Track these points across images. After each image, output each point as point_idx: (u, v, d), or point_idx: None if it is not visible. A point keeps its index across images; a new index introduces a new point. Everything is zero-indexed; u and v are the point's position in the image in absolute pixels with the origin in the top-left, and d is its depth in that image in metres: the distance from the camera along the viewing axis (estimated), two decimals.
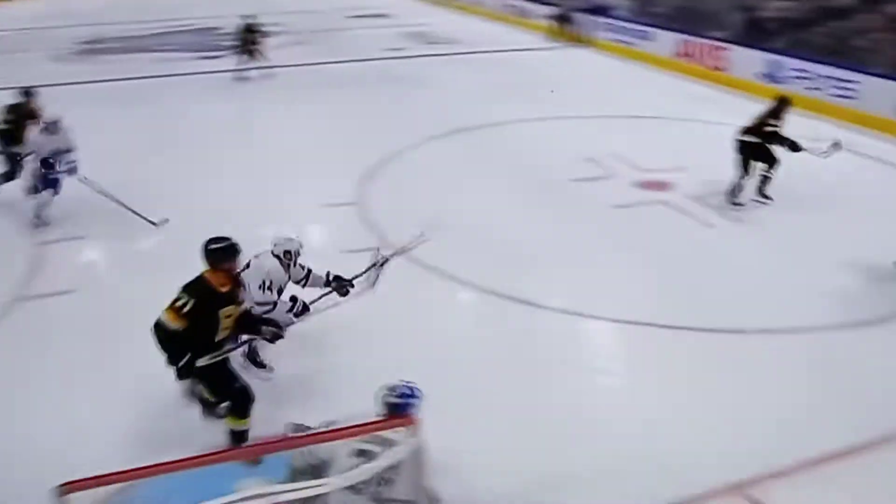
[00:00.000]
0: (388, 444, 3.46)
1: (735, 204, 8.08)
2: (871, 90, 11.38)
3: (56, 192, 7.91)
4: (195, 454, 3.39)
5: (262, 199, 8.44)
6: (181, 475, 3.19)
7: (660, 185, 8.73)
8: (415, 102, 12.17)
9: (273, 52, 15.59)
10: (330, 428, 3.68)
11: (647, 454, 4.45)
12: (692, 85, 14.25)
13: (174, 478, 3.18)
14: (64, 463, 3.43)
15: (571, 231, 7.65)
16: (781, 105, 8.13)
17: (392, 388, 3.73)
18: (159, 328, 4.31)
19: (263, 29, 15.43)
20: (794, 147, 7.93)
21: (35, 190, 7.89)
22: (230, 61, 15.27)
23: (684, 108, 12.40)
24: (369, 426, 3.64)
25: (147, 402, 5.03)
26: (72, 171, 7.89)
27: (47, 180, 7.81)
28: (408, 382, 3.76)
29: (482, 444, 4.52)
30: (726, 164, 9.44)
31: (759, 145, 7.98)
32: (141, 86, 14.95)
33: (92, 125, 11.78)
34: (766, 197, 8.11)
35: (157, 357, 5.36)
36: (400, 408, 3.65)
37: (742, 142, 8.04)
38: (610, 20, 18.25)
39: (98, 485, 2.90)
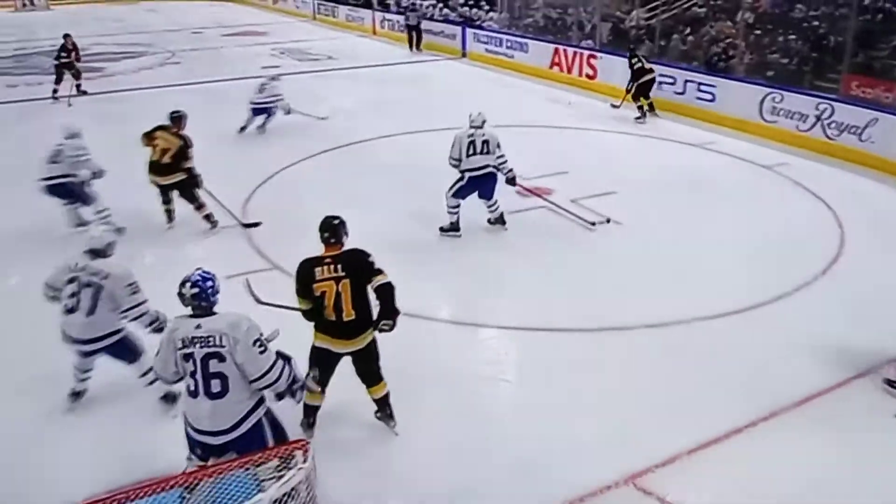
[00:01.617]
0: (280, 469, 3.41)
1: None
2: (729, 93, 12.07)
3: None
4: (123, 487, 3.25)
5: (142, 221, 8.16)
6: None
7: (541, 191, 8.94)
8: (291, 120, 11.98)
9: (144, 73, 15.06)
10: (223, 461, 3.61)
11: (539, 456, 4.55)
12: (566, 93, 14.67)
13: None
14: None
15: (457, 240, 7.73)
16: None
17: (186, 281, 3.78)
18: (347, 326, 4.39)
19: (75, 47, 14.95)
20: None
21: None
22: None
23: (559, 116, 12.77)
24: (263, 453, 3.57)
25: (37, 443, 4.74)
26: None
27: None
28: (200, 270, 3.86)
29: (389, 462, 4.57)
30: (604, 167, 9.85)
31: None
32: None
33: None
34: None
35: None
36: (201, 295, 3.76)
37: None
38: (483, 32, 18.59)
39: None
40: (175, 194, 7.90)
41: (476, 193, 7.73)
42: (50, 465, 4.57)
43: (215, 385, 3.67)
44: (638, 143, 11.32)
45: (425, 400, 5.10)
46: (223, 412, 3.69)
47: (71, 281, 4.72)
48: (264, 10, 31.12)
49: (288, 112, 11.39)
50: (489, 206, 7.90)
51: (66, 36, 14.79)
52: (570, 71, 15.48)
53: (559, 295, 6.57)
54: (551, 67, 15.99)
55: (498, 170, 7.67)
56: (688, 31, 14.72)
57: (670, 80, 12.95)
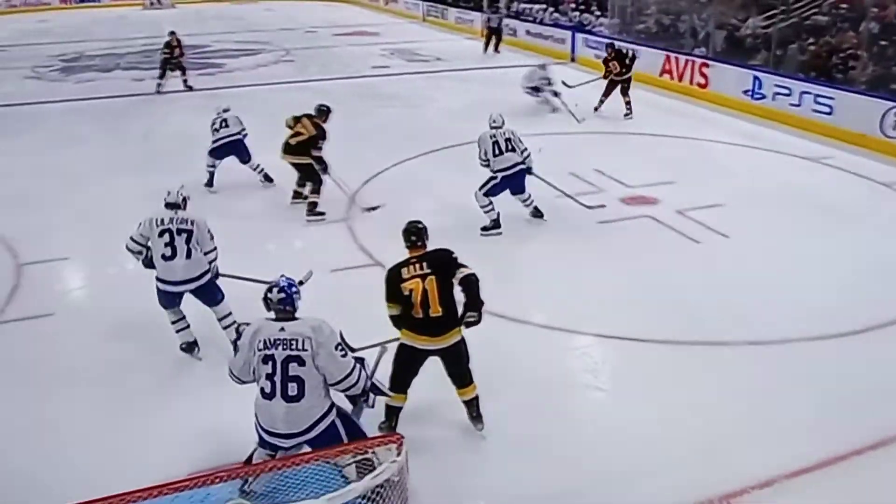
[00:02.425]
0: (372, 463, 3.50)
1: None
2: (848, 106, 11.54)
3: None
4: (185, 476, 3.41)
5: (250, 215, 8.51)
6: (166, 499, 3.18)
7: (646, 201, 8.81)
8: (399, 119, 12.21)
9: (260, 70, 15.65)
10: (317, 450, 3.73)
11: (635, 469, 4.48)
12: (676, 102, 14.38)
13: (160, 501, 3.17)
14: (39, 488, 3.41)
15: (556, 246, 7.70)
16: None
17: (274, 286, 3.95)
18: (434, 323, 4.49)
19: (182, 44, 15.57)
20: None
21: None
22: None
23: (668, 125, 12.52)
24: (355, 445, 3.67)
25: (124, 425, 5.00)
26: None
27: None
28: (284, 277, 4.03)
29: (472, 464, 4.58)
30: (713, 179, 9.60)
31: None
32: (116, 103, 15.01)
33: (71, 140, 11.95)
34: None
35: (135, 376, 5.42)
36: (287, 300, 3.92)
37: None
38: (593, 37, 18.40)
39: None
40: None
41: (508, 191, 7.90)
42: (142, 444, 4.78)
43: (292, 388, 3.76)
44: (750, 154, 10.96)
45: (515, 403, 5.11)
46: (298, 416, 3.79)
47: (162, 234, 5.38)
48: (375, 11, 31.70)
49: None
50: (524, 202, 8.01)
51: (171, 33, 15.41)
52: (680, 79, 15.15)
53: (657, 306, 6.45)
54: (661, 75, 15.67)
55: (525, 164, 7.84)
56: (809, 40, 14.15)
57: (786, 92, 12.49)
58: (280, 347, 3.78)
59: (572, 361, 5.77)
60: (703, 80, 14.55)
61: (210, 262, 5.57)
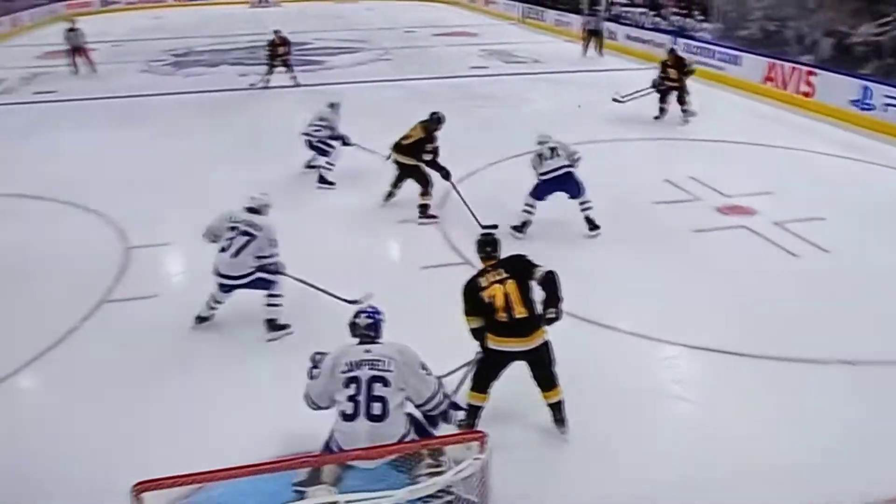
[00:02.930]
0: (455, 458, 3.55)
1: None
2: None
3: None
4: (268, 459, 3.54)
5: (346, 211, 8.73)
6: (250, 479, 3.31)
7: (743, 211, 8.60)
8: (495, 120, 12.26)
9: (359, 68, 16.00)
10: (401, 442, 3.81)
11: (716, 483, 4.41)
12: (778, 110, 13.95)
13: (244, 482, 3.30)
14: (139, 462, 3.58)
15: (649, 254, 7.60)
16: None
17: (361, 312, 4.13)
18: (519, 324, 4.55)
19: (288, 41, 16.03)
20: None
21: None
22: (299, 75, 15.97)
23: (771, 134, 12.16)
24: (440, 440, 3.73)
25: (221, 405, 5.21)
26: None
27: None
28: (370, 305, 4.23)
29: (553, 466, 4.59)
30: (814, 191, 9.28)
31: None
32: (222, 97, 15.61)
33: (178, 131, 12.52)
34: None
35: (230, 360, 5.63)
36: (374, 325, 4.08)
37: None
38: (695, 42, 18.01)
39: (171, 485, 3.04)
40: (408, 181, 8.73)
41: (566, 196, 7.96)
42: (230, 426, 4.96)
43: (376, 408, 3.78)
44: (855, 167, 10.54)
45: (599, 409, 5.07)
46: (380, 436, 3.76)
47: (231, 229, 5.93)
48: (474, 12, 31.84)
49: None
50: (581, 205, 7.97)
51: (275, 31, 15.88)
52: (784, 87, 14.66)
53: (751, 319, 6.29)
54: (764, 82, 15.20)
55: (574, 165, 7.97)
56: None
57: None
58: (366, 367, 3.84)
59: (659, 371, 5.69)
60: (808, 89, 14.05)
61: (259, 261, 5.95)
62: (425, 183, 8.56)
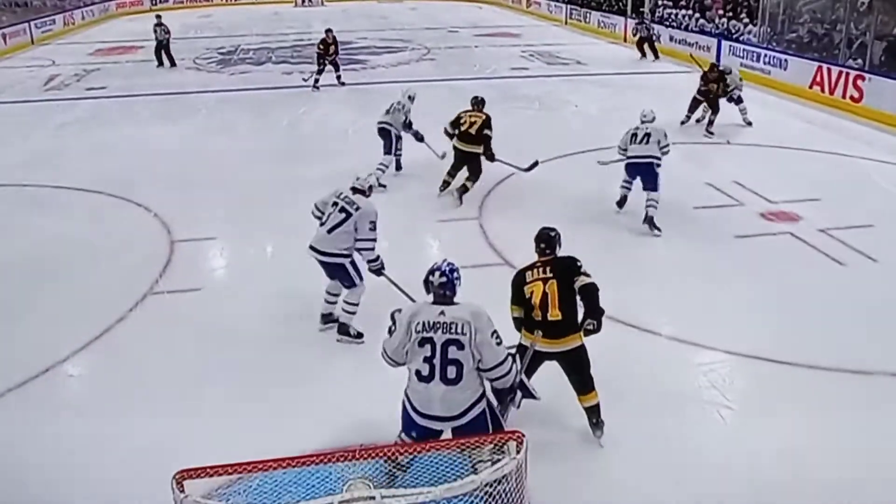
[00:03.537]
0: (493, 457, 3.56)
1: None
2: None
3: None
4: (309, 453, 3.58)
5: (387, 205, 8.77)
6: (292, 472, 3.36)
7: (788, 217, 8.48)
8: (536, 122, 12.25)
9: (402, 68, 16.09)
10: (441, 441, 3.83)
11: (755, 492, 4.37)
12: (825, 115, 13.72)
13: (286, 473, 3.35)
14: (181, 453, 3.65)
15: (691, 258, 7.54)
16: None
17: (436, 269, 4.03)
18: (553, 326, 4.56)
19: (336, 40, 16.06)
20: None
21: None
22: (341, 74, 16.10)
23: (817, 139, 11.96)
24: (477, 439, 3.74)
25: (263, 400, 5.27)
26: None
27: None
28: (447, 261, 4.10)
29: (590, 470, 4.58)
30: (862, 198, 9.10)
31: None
32: (267, 95, 15.80)
33: (223, 128, 12.73)
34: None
35: (272, 354, 5.70)
36: (449, 284, 3.99)
37: None
38: (741, 45, 17.78)
39: (212, 475, 3.09)
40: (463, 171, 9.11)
41: (641, 185, 8.25)
42: (274, 420, 5.04)
43: (451, 371, 3.82)
44: None
45: (637, 413, 5.05)
46: (454, 398, 3.84)
47: (334, 204, 5.86)
48: (517, 13, 31.81)
49: None
50: (647, 200, 8.12)
51: (327, 31, 15.96)
52: (832, 92, 14.40)
53: (795, 327, 6.20)
54: (811, 87, 14.96)
55: (659, 159, 8.17)
56: None
57: None
58: (440, 331, 3.84)
59: (699, 376, 5.63)
60: (856, 94, 13.79)
61: (355, 244, 5.80)
62: (478, 171, 9.01)
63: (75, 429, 4.99)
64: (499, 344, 3.92)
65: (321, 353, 5.82)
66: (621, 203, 8.54)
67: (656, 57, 19.74)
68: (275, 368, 5.63)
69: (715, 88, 12.10)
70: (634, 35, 20.46)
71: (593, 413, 4.76)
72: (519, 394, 4.36)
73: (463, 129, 8.92)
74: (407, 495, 3.17)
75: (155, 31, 19.32)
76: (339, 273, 5.93)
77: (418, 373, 3.88)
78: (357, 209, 5.76)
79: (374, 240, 5.84)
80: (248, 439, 4.51)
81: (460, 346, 3.83)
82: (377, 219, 5.83)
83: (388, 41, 23.43)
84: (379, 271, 5.93)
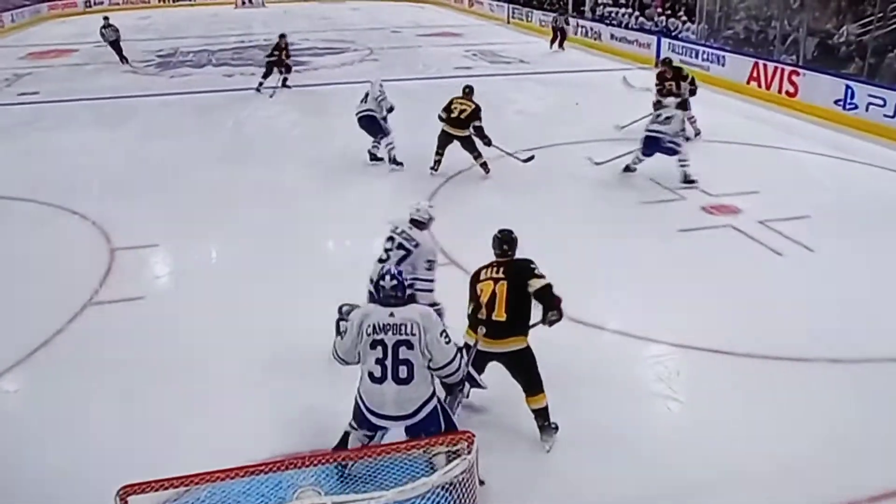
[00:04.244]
0: (442, 459, 3.56)
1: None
2: None
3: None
4: (261, 460, 3.53)
5: (332, 206, 8.73)
6: (240, 482, 3.31)
7: (728, 210, 8.65)
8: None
9: (345, 69, 16.02)
10: (394, 443, 3.82)
11: (704, 482, 4.43)
12: (762, 110, 14.04)
13: (234, 484, 3.30)
14: (125, 467, 3.57)
15: (635, 253, 7.62)
16: None
17: (385, 274, 4.06)
18: (495, 326, 4.52)
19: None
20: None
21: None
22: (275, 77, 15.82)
23: (755, 133, 12.23)
24: (428, 441, 3.73)
25: (210, 409, 5.17)
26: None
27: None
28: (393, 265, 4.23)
29: (538, 467, 4.59)
30: (799, 190, 9.33)
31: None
32: (208, 98, 15.59)
33: (164, 133, 12.48)
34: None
35: (216, 362, 5.61)
36: (400, 286, 4.04)
37: None
38: (679, 42, 18.11)
39: (157, 489, 3.03)
40: (454, 147, 9.87)
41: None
42: (225, 428, 4.94)
43: (402, 371, 3.88)
44: (839, 166, 10.62)
45: (585, 409, 5.07)
46: (407, 397, 3.92)
47: (389, 239, 5.40)
48: (459, 13, 31.91)
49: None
50: (680, 162, 9.59)
51: (281, 36, 15.76)
52: (768, 87, 14.76)
53: (736, 317, 6.32)
54: (748, 83, 15.31)
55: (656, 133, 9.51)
56: None
57: (880, 102, 12.04)
58: (390, 332, 3.90)
59: (646, 370, 5.71)
60: (792, 89, 14.15)
61: (415, 290, 5.16)
62: (475, 147, 9.82)
63: (14, 444, 4.83)
64: (447, 343, 3.97)
65: (266, 359, 5.73)
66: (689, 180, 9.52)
67: (561, 48, 21.16)
68: (220, 376, 5.52)
69: (673, 87, 11.53)
70: (552, 25, 21.83)
71: (541, 416, 4.74)
72: (467, 385, 4.39)
73: (453, 115, 9.66)
74: (358, 500, 3.15)
75: (102, 34, 19.21)
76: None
77: (371, 374, 3.94)
78: (416, 245, 5.32)
79: (433, 280, 5.38)
80: (194, 450, 4.43)
81: (410, 346, 3.89)
82: (436, 258, 5.44)
83: (331, 42, 23.26)
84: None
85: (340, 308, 4.29)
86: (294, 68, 16.36)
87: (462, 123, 9.69)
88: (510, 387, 4.73)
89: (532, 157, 10.06)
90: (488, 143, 9.79)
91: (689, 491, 4.36)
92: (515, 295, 4.55)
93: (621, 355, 5.86)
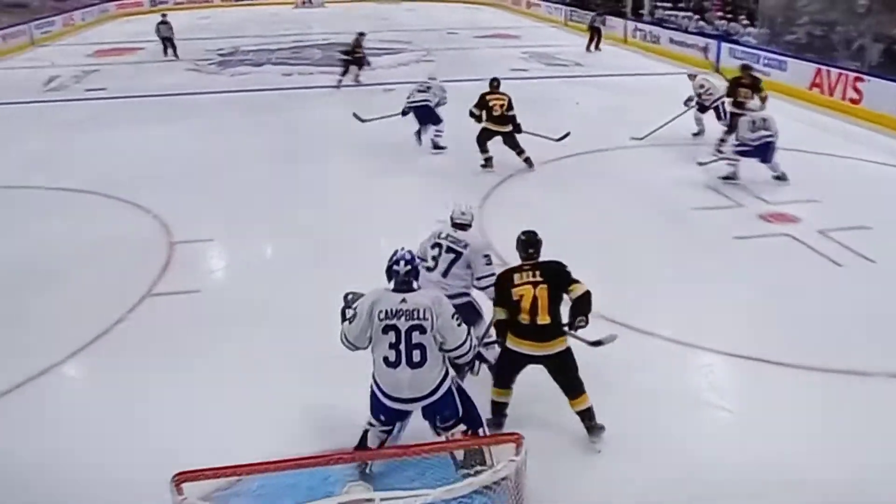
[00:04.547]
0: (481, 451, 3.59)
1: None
2: None
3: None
4: (310, 454, 3.59)
5: (384, 205, 8.81)
6: (291, 474, 3.37)
7: (787, 218, 8.49)
8: (534, 123, 12.20)
9: (402, 69, 16.19)
10: (438, 441, 3.87)
11: (751, 493, 4.37)
12: (824, 117, 13.71)
13: (283, 476, 3.36)
14: (181, 454, 3.66)
15: (689, 260, 7.53)
16: None
17: (399, 259, 4.11)
18: (541, 330, 4.55)
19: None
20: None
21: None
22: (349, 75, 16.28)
23: (816, 140, 11.95)
24: (475, 440, 3.76)
25: (260, 402, 5.24)
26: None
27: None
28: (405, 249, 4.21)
29: (586, 475, 4.58)
30: (860, 199, 9.09)
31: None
32: (266, 96, 15.87)
33: (223, 129, 12.74)
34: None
35: (269, 355, 5.71)
36: (414, 272, 4.11)
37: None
38: (739, 47, 17.80)
39: (211, 477, 3.10)
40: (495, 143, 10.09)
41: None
42: (266, 422, 5.04)
43: (416, 355, 3.97)
44: None
45: (634, 415, 5.04)
46: (423, 379, 4.01)
47: (434, 246, 5.29)
48: (517, 14, 31.80)
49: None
50: (770, 167, 9.63)
51: (360, 34, 16.39)
52: (831, 93, 14.41)
53: (793, 328, 6.19)
54: (811, 89, 14.96)
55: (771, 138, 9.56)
56: None
57: None
58: (403, 318, 3.97)
59: (697, 378, 5.65)
60: (855, 96, 13.79)
61: (465, 287, 5.26)
62: (517, 143, 10.03)
63: (74, 430, 4.99)
64: (459, 325, 4.06)
65: (321, 355, 5.80)
66: (733, 177, 9.62)
67: (598, 48, 21.21)
68: (274, 370, 5.62)
69: (749, 95, 10.63)
70: (589, 25, 21.81)
71: (586, 416, 4.74)
72: (476, 363, 4.43)
73: (496, 113, 9.82)
74: (405, 497, 3.19)
75: (158, 30, 20.21)
76: (463, 313, 5.33)
77: (385, 359, 4.02)
78: (465, 246, 5.23)
79: (494, 274, 5.14)
80: (248, 441, 4.51)
81: (423, 331, 3.97)
82: (491, 250, 5.39)
83: (388, 42, 23.41)
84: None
85: (346, 296, 4.40)
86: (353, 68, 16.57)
87: (504, 119, 9.85)
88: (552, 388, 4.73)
89: (567, 134, 10.24)
90: (519, 129, 9.95)
91: (730, 501, 4.31)
92: (555, 297, 4.58)
93: (671, 362, 5.79)
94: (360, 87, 16.20)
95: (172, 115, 14.22)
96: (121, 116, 14.26)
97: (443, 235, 5.34)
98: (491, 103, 9.85)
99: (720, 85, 11.45)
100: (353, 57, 16.26)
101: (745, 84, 10.88)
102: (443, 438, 4.20)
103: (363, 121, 11.41)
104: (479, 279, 5.22)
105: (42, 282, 7.20)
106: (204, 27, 28.45)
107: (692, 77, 11.86)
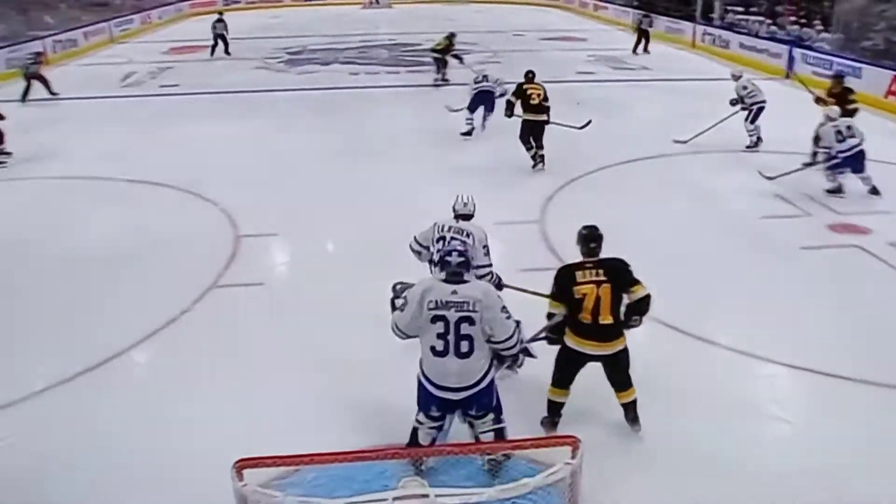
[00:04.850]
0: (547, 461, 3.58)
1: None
2: None
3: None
4: (368, 448, 3.65)
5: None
6: (346, 466, 3.43)
7: (856, 230, 8.27)
8: (598, 127, 12.16)
9: (468, 70, 16.21)
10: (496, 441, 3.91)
11: None
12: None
13: (338, 468, 3.42)
14: (240, 441, 3.75)
15: (755, 269, 7.40)
16: None
17: (453, 251, 4.16)
18: (603, 329, 4.57)
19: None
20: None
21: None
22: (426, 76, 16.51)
23: (889, 150, 11.56)
24: (532, 442, 3.76)
25: (322, 392, 5.37)
26: None
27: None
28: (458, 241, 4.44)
29: (641, 481, 4.54)
30: None
31: None
32: (333, 95, 16.10)
33: (290, 127, 12.95)
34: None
35: (329, 350, 5.81)
36: (466, 264, 4.13)
37: None
38: (813, 53, 17.35)
39: (270, 465, 3.16)
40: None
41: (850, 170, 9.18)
42: (324, 413, 5.14)
43: (464, 346, 4.02)
44: None
45: (690, 422, 4.98)
46: (468, 370, 4.06)
47: (439, 240, 5.39)
48: (584, 17, 31.53)
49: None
50: (862, 179, 9.19)
51: (452, 35, 16.86)
52: None
53: (860, 342, 6.05)
54: (887, 97, 14.51)
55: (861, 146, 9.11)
56: None
57: None
58: (453, 309, 4.02)
59: (758, 389, 5.56)
60: None
61: (477, 277, 5.13)
62: (542, 137, 10.18)
63: (140, 412, 5.18)
64: (508, 318, 4.09)
65: (381, 351, 5.87)
66: (839, 189, 9.25)
67: (646, 51, 20.98)
68: (334, 364, 5.72)
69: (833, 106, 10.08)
70: (636, 27, 21.66)
71: (630, 408, 4.78)
72: (521, 356, 4.45)
73: (534, 102, 10.02)
74: (460, 495, 3.23)
75: (214, 27, 20.88)
76: None
77: (433, 348, 4.07)
78: (467, 236, 5.33)
79: (490, 265, 5.47)
80: (306, 432, 4.61)
81: (472, 323, 4.01)
82: (488, 241, 5.49)
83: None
84: (499, 286, 5.47)
85: (394, 286, 4.46)
86: (418, 68, 16.70)
87: (541, 109, 10.05)
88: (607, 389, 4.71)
89: (589, 122, 10.39)
90: (548, 121, 10.10)
91: None
92: (617, 297, 4.56)
93: (733, 372, 5.71)
94: (419, 89, 16.26)
95: (241, 111, 14.55)
96: (192, 112, 14.69)
97: (447, 227, 5.45)
98: (529, 92, 10.10)
99: (762, 88, 11.51)
100: (446, 57, 16.59)
101: (834, 92, 10.70)
102: (477, 433, 4.28)
103: (454, 111, 12.14)
104: (475, 267, 5.11)
105: (113, 271, 7.46)
106: (273, 26, 28.97)
107: (736, 77, 11.71)
